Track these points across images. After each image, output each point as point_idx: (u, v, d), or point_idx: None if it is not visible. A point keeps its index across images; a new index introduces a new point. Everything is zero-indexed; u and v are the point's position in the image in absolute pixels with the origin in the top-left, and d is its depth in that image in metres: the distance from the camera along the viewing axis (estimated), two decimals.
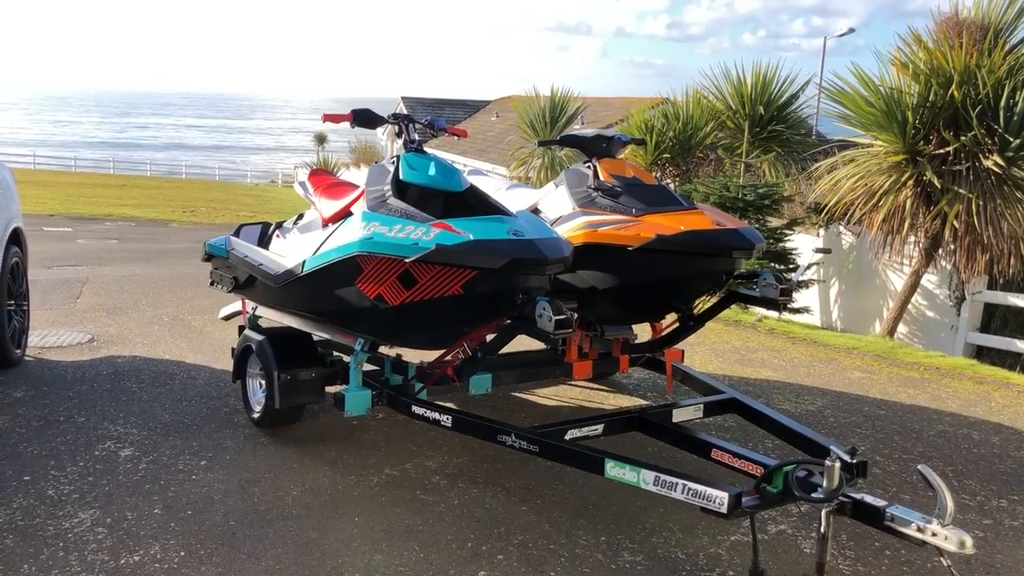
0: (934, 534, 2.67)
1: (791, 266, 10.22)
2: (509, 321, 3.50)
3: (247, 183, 42.14)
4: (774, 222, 10.47)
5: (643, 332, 4.85)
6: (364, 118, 4.05)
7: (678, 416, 4.02)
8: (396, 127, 4.08)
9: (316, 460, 4.13)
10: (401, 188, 3.74)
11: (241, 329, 4.88)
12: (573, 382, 5.51)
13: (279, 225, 4.87)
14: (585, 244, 4.12)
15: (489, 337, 3.72)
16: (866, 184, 8.54)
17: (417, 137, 4.05)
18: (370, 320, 3.79)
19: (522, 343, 4.74)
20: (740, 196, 9.92)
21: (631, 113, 13.05)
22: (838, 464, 2.82)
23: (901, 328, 9.68)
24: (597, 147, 4.55)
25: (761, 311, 8.22)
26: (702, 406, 4.14)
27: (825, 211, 9.36)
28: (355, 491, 3.80)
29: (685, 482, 3.01)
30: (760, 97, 11.88)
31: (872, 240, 8.85)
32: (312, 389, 4.29)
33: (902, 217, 8.35)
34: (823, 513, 2.84)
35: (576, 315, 3.31)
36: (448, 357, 3.84)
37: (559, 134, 13.74)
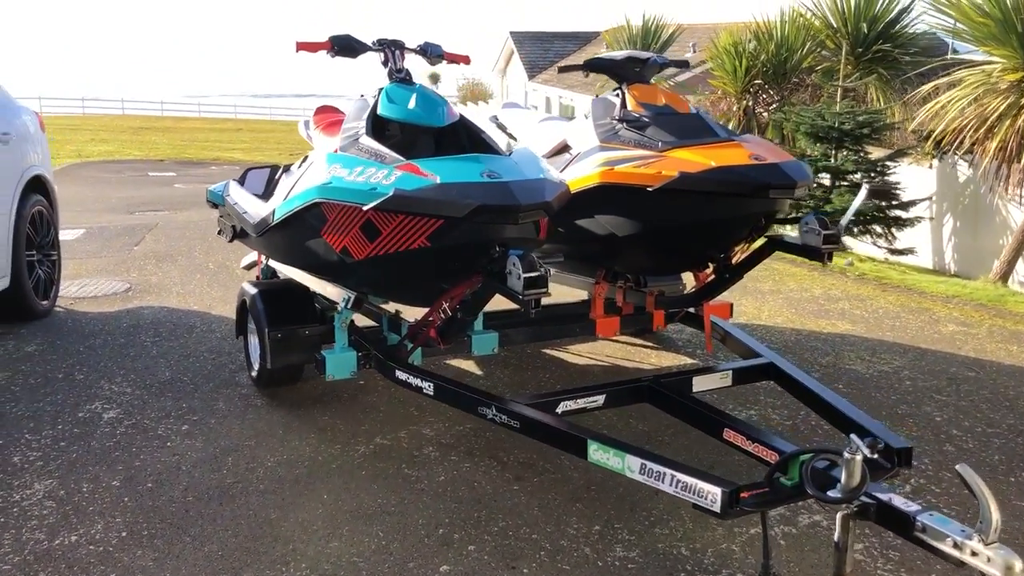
0: (974, 553, 2.07)
1: (894, 203, 9.24)
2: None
3: None
4: (876, 153, 9.46)
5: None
6: (344, 45, 3.60)
7: (700, 384, 3.45)
8: (382, 55, 3.61)
9: (305, 426, 3.80)
10: (378, 124, 3.30)
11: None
12: (615, 338, 4.99)
13: (286, 168, 4.50)
14: (601, 185, 3.58)
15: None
16: (979, 107, 7.49)
17: (405, 65, 3.58)
18: (342, 275, 3.39)
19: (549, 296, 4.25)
20: (835, 124, 8.96)
21: (719, 36, 12.00)
22: (859, 457, 2.25)
23: (1021, 269, 8.61)
24: (628, 71, 3.95)
25: (850, 254, 7.41)
26: (731, 373, 3.54)
27: (931, 139, 8.32)
28: (335, 463, 3.45)
29: (674, 472, 2.50)
30: (864, 13, 10.65)
31: (985, 171, 7.81)
32: (307, 348, 3.93)
33: (1020, 144, 7.29)
34: (839, 516, 2.29)
35: (546, 271, 2.81)
36: (431, 317, 3.40)
37: None
